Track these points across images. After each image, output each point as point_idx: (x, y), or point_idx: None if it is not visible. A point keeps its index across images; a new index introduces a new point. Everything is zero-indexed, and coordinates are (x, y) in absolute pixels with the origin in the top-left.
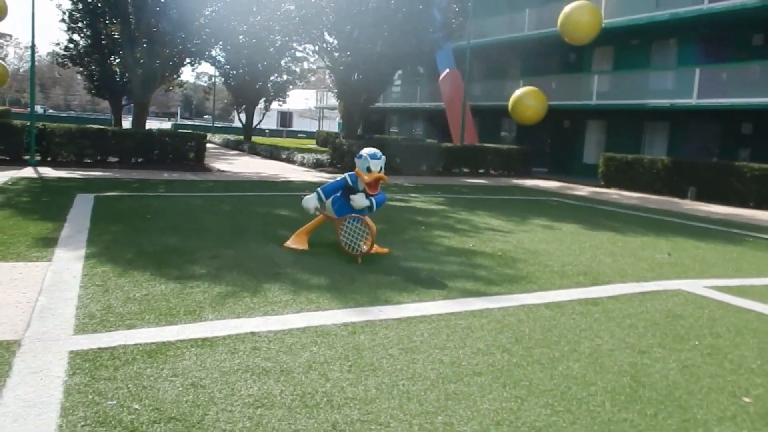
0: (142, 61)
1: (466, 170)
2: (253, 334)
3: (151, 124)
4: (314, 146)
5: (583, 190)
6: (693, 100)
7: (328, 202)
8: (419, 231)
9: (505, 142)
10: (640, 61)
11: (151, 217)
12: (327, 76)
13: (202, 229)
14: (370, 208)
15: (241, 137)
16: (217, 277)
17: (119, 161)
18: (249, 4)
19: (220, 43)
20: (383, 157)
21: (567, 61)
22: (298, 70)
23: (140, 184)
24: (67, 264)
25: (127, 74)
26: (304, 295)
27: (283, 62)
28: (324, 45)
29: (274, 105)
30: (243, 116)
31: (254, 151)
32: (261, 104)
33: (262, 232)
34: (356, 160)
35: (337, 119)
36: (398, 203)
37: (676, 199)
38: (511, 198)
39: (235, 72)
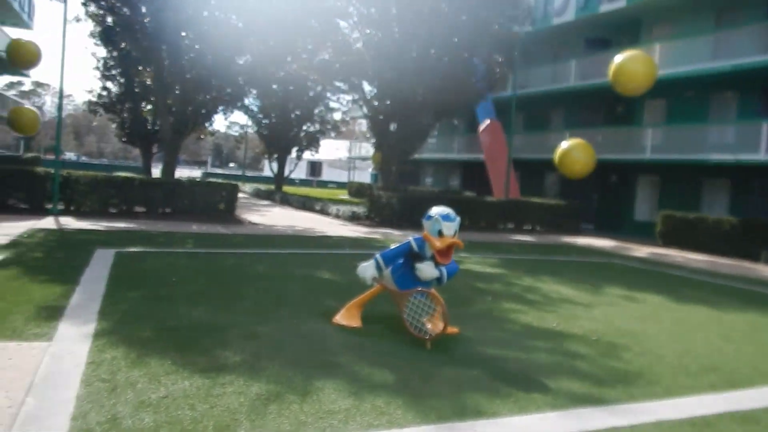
0: (173, 108)
1: (510, 226)
2: None
3: (182, 173)
4: (346, 197)
5: (642, 251)
6: (761, 155)
7: (388, 272)
8: (486, 302)
9: (549, 196)
10: (696, 113)
11: (177, 280)
12: (362, 126)
13: (236, 297)
14: (439, 279)
15: (272, 187)
16: (255, 369)
17: (146, 211)
18: (284, 52)
19: (254, 91)
20: (458, 218)
21: (614, 114)
22: (331, 119)
23: (167, 238)
24: (71, 345)
25: (158, 121)
26: (369, 401)
27: (316, 111)
28: (363, 94)
29: (305, 155)
30: (274, 165)
31: (286, 201)
32: (293, 154)
33: (305, 301)
34: (424, 221)
35: (370, 170)
36: None
37: (747, 263)
38: (570, 260)
39: (267, 121)
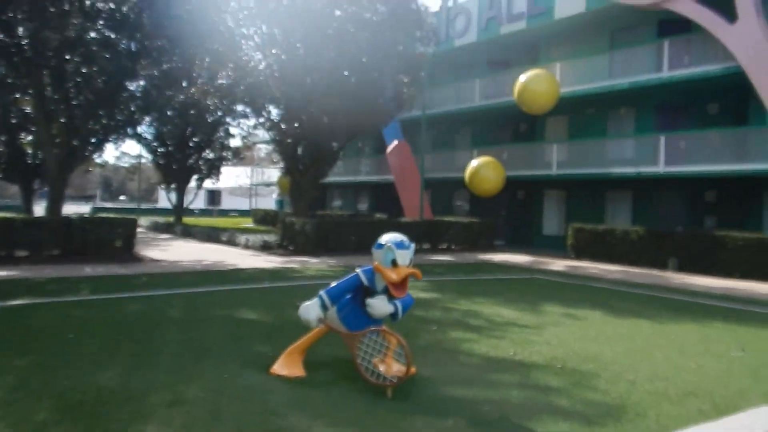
0: (57, 139)
1: (426, 246)
2: None
3: (68, 209)
4: (251, 225)
5: (557, 264)
6: (660, 168)
7: (333, 310)
8: (432, 333)
9: (459, 214)
10: (597, 129)
11: (75, 336)
12: (261, 152)
13: (149, 351)
14: (393, 315)
15: (171, 219)
16: None
17: (29, 255)
18: (181, 75)
19: (148, 118)
20: (412, 245)
21: (518, 131)
22: (232, 145)
23: (57, 285)
24: None
25: (39, 154)
26: None
27: (216, 137)
28: (268, 117)
29: (205, 183)
30: (172, 196)
31: (188, 233)
32: (192, 183)
33: (233, 349)
34: (374, 250)
35: (274, 196)
36: None
37: (656, 272)
38: (495, 278)
39: (164, 149)
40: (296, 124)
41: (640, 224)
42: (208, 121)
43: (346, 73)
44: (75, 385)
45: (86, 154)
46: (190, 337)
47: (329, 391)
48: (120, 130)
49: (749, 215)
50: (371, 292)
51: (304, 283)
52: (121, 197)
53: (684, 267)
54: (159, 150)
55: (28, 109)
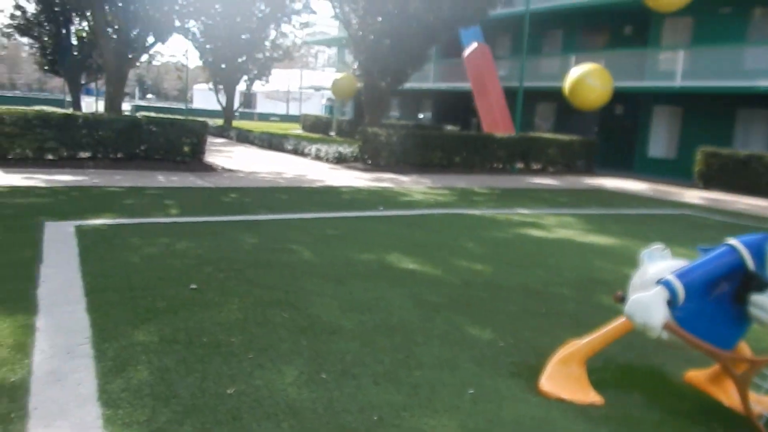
0: (116, 26)
1: (519, 166)
2: None
3: (100, 107)
4: (300, 132)
5: (689, 195)
6: None
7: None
8: None
9: (541, 130)
10: (731, 33)
11: (198, 288)
12: (308, 55)
13: (311, 327)
14: None
15: (220, 122)
16: None
17: (92, 157)
18: None
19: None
20: None
21: (620, 35)
22: (283, 45)
23: (136, 199)
24: None
25: (97, 44)
26: None
27: (267, 36)
28: (343, 7)
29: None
30: (222, 97)
31: (245, 139)
32: (241, 84)
33: (438, 332)
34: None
35: (323, 101)
36: (540, 233)
37: None
38: (647, 213)
39: (211, 46)
40: (379, 18)
41: None
42: (258, 16)
43: None
44: (242, 389)
45: (146, 45)
46: (353, 298)
47: None
48: (184, 15)
49: None
50: (760, 282)
51: (428, 212)
52: (148, 95)
53: None
54: (207, 47)
55: None
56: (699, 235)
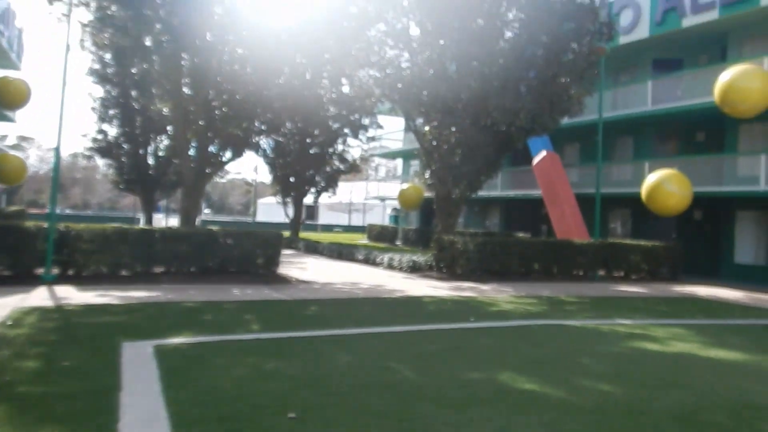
0: (194, 143)
1: (601, 273)
2: None
3: (162, 222)
4: (366, 242)
5: None
6: None
7: None
8: None
9: (617, 236)
10: None
11: (298, 416)
12: (378, 164)
13: None
14: None
15: (287, 233)
16: None
17: (165, 272)
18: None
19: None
20: None
21: (692, 141)
22: (350, 157)
23: (215, 314)
24: None
25: (175, 163)
26: None
27: (333, 150)
28: (413, 122)
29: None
30: (289, 210)
31: (314, 250)
32: (309, 197)
33: None
34: None
35: (388, 211)
36: (650, 345)
37: None
38: (752, 323)
39: (281, 160)
40: (453, 128)
41: None
42: (332, 128)
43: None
44: None
45: (223, 161)
46: (478, 430)
47: None
48: (264, 133)
49: None
50: None
51: (524, 323)
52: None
53: None
54: (277, 161)
55: (165, 110)
56: None
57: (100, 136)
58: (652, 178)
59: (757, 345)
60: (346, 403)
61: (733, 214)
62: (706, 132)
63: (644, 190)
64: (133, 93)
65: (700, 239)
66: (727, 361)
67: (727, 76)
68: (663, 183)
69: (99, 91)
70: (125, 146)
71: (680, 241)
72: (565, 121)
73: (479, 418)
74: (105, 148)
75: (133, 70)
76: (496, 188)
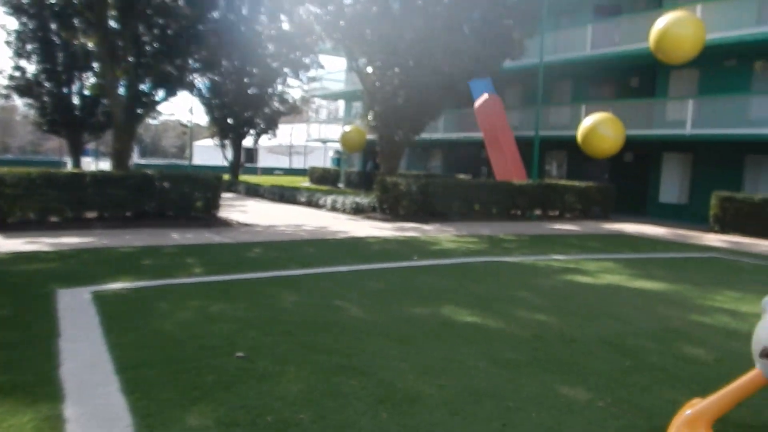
0: (123, 82)
1: (538, 213)
2: None
3: (95, 165)
4: (308, 184)
5: (709, 239)
6: None
7: None
8: None
9: (554, 177)
10: (736, 84)
11: (247, 355)
12: (319, 105)
13: (400, 384)
14: None
15: (227, 177)
16: None
17: (99, 218)
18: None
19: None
20: None
21: (627, 86)
22: (290, 98)
23: (154, 259)
24: None
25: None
26: None
27: (273, 90)
28: (355, 62)
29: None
30: (228, 153)
31: (255, 193)
32: (248, 139)
33: (548, 400)
34: None
35: (330, 154)
36: (577, 277)
37: None
38: (678, 256)
39: (218, 101)
40: (396, 69)
41: None
42: (271, 67)
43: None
44: None
45: (155, 101)
46: (423, 359)
47: None
48: (199, 71)
49: None
50: None
51: (466, 261)
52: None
53: None
54: (213, 102)
55: (91, 45)
56: (738, 278)
57: (17, 74)
58: (587, 122)
59: (676, 276)
60: (295, 341)
61: (660, 156)
62: (639, 77)
63: (580, 133)
64: (53, 26)
65: (630, 180)
66: (650, 291)
67: (661, 23)
68: (597, 127)
69: (14, 23)
70: (47, 84)
71: (612, 182)
72: (507, 63)
73: (425, 349)
74: (24, 87)
75: (52, 0)
76: (438, 131)
